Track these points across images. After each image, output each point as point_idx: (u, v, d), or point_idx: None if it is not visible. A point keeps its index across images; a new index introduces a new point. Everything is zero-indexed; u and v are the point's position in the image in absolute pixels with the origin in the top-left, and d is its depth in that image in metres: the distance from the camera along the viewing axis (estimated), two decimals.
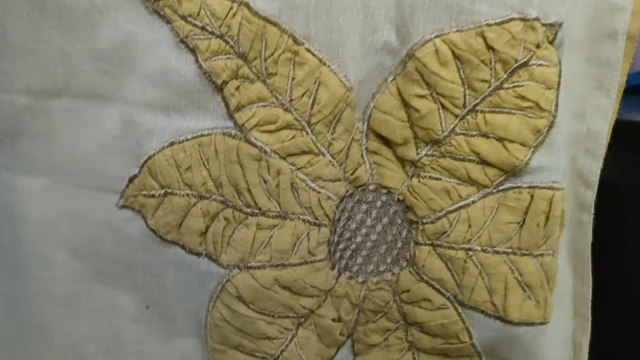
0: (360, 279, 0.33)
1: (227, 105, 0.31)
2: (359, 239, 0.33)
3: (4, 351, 0.35)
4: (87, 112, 0.32)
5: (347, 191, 0.32)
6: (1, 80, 0.31)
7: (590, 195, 0.39)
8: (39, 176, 0.32)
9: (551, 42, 0.30)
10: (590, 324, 0.43)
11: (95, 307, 0.34)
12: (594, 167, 0.38)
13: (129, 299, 0.34)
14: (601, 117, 0.37)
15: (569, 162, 0.39)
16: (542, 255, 0.31)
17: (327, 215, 0.32)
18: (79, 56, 0.31)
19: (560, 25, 0.30)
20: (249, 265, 0.31)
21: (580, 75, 0.37)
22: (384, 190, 0.32)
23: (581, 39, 0.37)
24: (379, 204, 0.33)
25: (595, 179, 0.39)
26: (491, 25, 0.29)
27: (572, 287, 0.41)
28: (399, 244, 0.33)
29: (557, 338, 0.39)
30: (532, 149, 0.30)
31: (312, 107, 0.30)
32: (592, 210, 0.40)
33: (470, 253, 0.31)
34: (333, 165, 0.31)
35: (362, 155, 0.32)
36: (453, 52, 0.29)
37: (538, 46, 0.30)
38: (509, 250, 0.31)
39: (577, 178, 0.39)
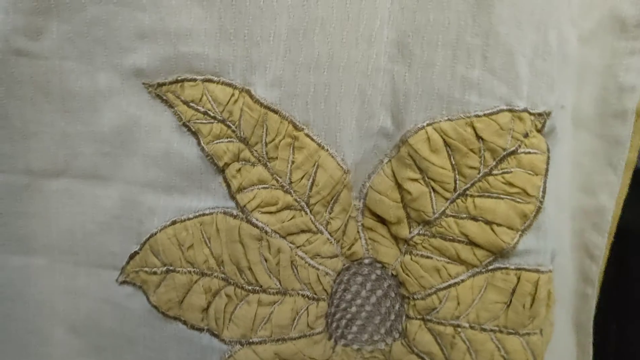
0: (355, 347, 0.35)
1: (228, 186, 0.32)
2: (354, 309, 0.35)
3: None
4: (85, 192, 0.33)
5: (344, 265, 0.34)
6: (2, 164, 0.32)
7: (595, 269, 0.41)
8: (35, 255, 0.33)
9: (539, 131, 0.32)
10: None
11: None
12: (600, 242, 0.40)
13: None
14: (609, 194, 0.39)
15: (576, 235, 0.41)
16: (528, 334, 0.33)
17: (325, 290, 0.33)
18: (81, 138, 0.32)
19: (548, 114, 0.32)
20: (250, 341, 0.33)
21: (590, 152, 0.39)
22: (379, 265, 0.34)
23: (591, 116, 0.39)
24: (373, 277, 0.34)
25: (600, 253, 0.40)
26: (480, 116, 0.31)
27: (576, 358, 0.43)
28: (392, 316, 0.34)
29: None
30: (519, 233, 0.32)
31: (310, 189, 0.32)
32: (597, 284, 0.41)
33: (459, 329, 0.32)
34: (331, 242, 0.33)
35: (358, 231, 0.34)
36: (444, 140, 0.31)
37: (526, 135, 0.31)
38: (496, 328, 0.32)
39: (584, 251, 0.40)
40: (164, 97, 0.32)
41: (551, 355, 0.41)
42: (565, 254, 0.41)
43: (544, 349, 0.34)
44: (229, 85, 0.31)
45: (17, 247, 0.33)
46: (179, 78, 0.32)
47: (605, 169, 0.39)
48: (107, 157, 0.33)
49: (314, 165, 0.32)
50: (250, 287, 0.32)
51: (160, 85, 0.32)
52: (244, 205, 0.32)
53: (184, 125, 0.32)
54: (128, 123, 0.32)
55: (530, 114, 0.31)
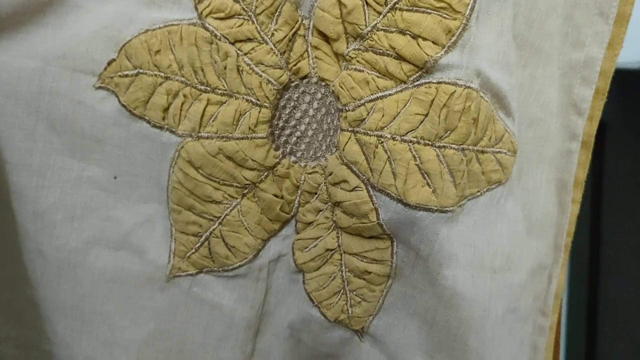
0: (302, 164, 0.38)
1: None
2: (302, 127, 0.37)
3: None
4: (93, 7, 0.37)
5: (291, 81, 0.37)
6: None
7: (581, 124, 0.41)
8: (33, 59, 0.37)
9: None
10: (562, 255, 0.44)
11: (66, 178, 0.38)
12: (588, 95, 0.40)
13: (98, 171, 0.38)
14: (598, 44, 0.39)
15: (565, 93, 0.41)
16: (444, 147, 0.34)
17: (267, 97, 0.36)
18: None
19: None
20: (199, 135, 0.37)
21: (582, 3, 0.39)
22: (323, 83, 0.37)
23: None
24: (319, 95, 0.37)
25: (587, 106, 0.40)
26: None
27: (556, 219, 0.43)
28: (332, 132, 0.37)
29: (528, 264, 0.41)
30: (444, 48, 0.33)
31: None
32: (581, 139, 0.41)
33: (382, 139, 0.34)
34: (274, 53, 0.36)
35: (306, 50, 0.36)
36: None
37: None
38: (414, 139, 0.34)
39: (571, 107, 0.41)
40: None
41: (531, 213, 0.41)
42: (550, 113, 0.41)
43: (464, 167, 0.34)
44: None
45: (21, 50, 0.37)
46: None
47: (595, 19, 0.38)
48: None
49: None
50: (202, 87, 0.36)
51: None
52: (201, 12, 0.36)
53: None
54: None
55: None
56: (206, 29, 0.36)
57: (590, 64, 0.38)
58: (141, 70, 0.37)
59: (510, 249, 0.38)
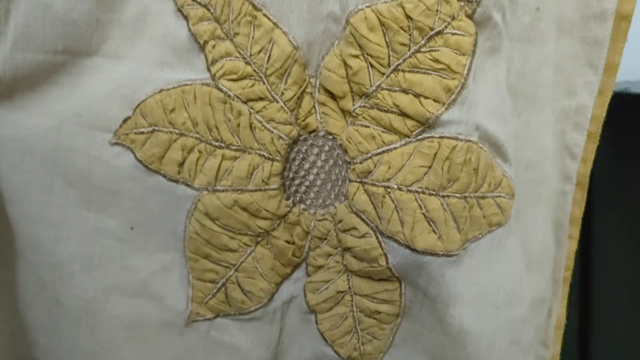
0: (312, 211, 0.40)
1: (206, 61, 0.39)
2: (311, 177, 0.40)
3: (2, 262, 0.42)
4: (107, 68, 0.40)
5: (300, 135, 0.39)
6: (44, 43, 0.39)
7: (574, 167, 0.44)
8: (49, 117, 0.39)
9: (469, 16, 0.35)
10: (561, 289, 0.47)
11: (83, 230, 0.40)
12: (580, 140, 0.43)
13: (115, 222, 0.40)
14: (589, 93, 0.42)
15: (558, 137, 0.44)
16: (448, 196, 0.36)
17: (279, 152, 0.39)
18: (112, 25, 0.39)
19: (478, 2, 0.35)
20: (215, 188, 0.39)
21: (572, 55, 0.42)
22: (330, 137, 0.39)
23: (573, 21, 0.42)
24: (327, 147, 0.39)
25: (579, 151, 0.43)
26: None
27: (553, 255, 0.46)
28: (340, 182, 0.39)
29: (528, 299, 0.44)
30: (444, 106, 0.36)
31: (267, 62, 0.37)
32: (575, 181, 0.44)
33: (389, 190, 0.37)
34: (285, 111, 0.38)
35: (314, 106, 0.39)
36: (379, 19, 0.35)
37: (453, 18, 0.35)
38: (419, 189, 0.36)
39: (565, 151, 0.43)
40: None
41: (530, 250, 0.44)
42: (546, 156, 0.43)
43: (466, 214, 0.37)
44: None
45: (37, 109, 0.39)
46: None
47: (585, 70, 0.42)
48: (127, 39, 0.40)
49: (270, 41, 0.37)
50: (217, 144, 0.39)
51: None
52: (214, 74, 0.38)
53: (179, 10, 0.39)
54: (143, 11, 0.39)
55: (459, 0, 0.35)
56: (220, 89, 0.38)
57: (581, 111, 0.41)
58: (157, 128, 0.39)
59: (511, 285, 0.41)
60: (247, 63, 0.38)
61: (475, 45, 0.35)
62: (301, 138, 0.39)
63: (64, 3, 0.38)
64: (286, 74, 0.38)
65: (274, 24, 0.37)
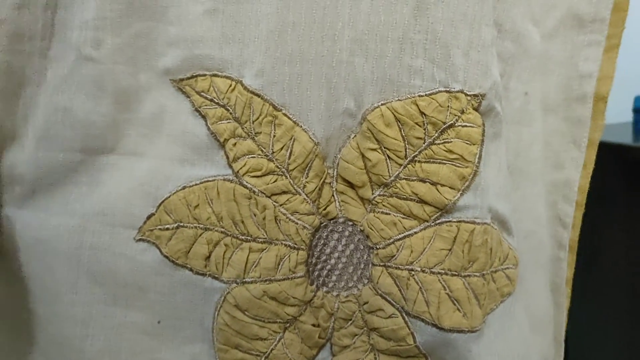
0: (334, 293, 0.42)
1: (227, 158, 0.40)
2: (332, 261, 0.42)
3: None
4: (126, 166, 0.41)
5: (321, 223, 0.41)
6: (64, 144, 0.40)
7: (566, 236, 0.47)
8: (71, 216, 0.40)
9: (476, 109, 0.39)
10: (563, 348, 0.50)
11: (110, 325, 0.41)
12: (570, 211, 0.46)
13: (142, 316, 0.41)
14: (575, 168, 0.46)
15: (550, 207, 0.47)
16: (469, 276, 0.39)
17: (303, 241, 0.41)
18: (128, 123, 0.41)
19: (483, 96, 0.39)
20: (244, 280, 0.40)
21: (558, 132, 0.46)
22: (350, 223, 0.41)
23: (558, 102, 0.46)
24: (347, 233, 0.41)
25: (569, 220, 0.47)
26: (423, 96, 0.38)
27: (553, 316, 0.49)
28: (362, 265, 0.41)
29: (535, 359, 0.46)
30: (460, 192, 0.39)
31: (289, 158, 0.40)
32: (567, 249, 0.48)
33: (413, 273, 0.39)
34: (307, 202, 0.40)
35: (333, 195, 0.41)
36: (395, 116, 0.38)
37: (462, 112, 0.38)
38: (442, 271, 0.39)
39: (557, 220, 0.47)
40: (183, 89, 0.41)
41: (532, 313, 0.47)
42: (541, 225, 0.47)
43: (486, 291, 0.39)
44: (228, 77, 0.40)
45: (58, 208, 0.40)
46: (194, 74, 0.40)
47: (570, 147, 0.45)
48: (145, 137, 0.41)
49: (291, 138, 0.39)
50: (243, 237, 0.40)
51: (181, 80, 0.41)
52: (237, 171, 0.40)
53: (196, 110, 0.40)
54: (160, 110, 0.41)
55: (467, 95, 0.38)
56: (245, 186, 0.40)
57: (569, 184, 0.45)
58: (181, 224, 0.40)
59: (521, 348, 0.44)
60: (270, 160, 0.40)
61: (483, 134, 0.39)
62: (322, 225, 0.41)
63: (84, 105, 0.40)
64: (307, 168, 0.40)
65: (294, 122, 0.39)
